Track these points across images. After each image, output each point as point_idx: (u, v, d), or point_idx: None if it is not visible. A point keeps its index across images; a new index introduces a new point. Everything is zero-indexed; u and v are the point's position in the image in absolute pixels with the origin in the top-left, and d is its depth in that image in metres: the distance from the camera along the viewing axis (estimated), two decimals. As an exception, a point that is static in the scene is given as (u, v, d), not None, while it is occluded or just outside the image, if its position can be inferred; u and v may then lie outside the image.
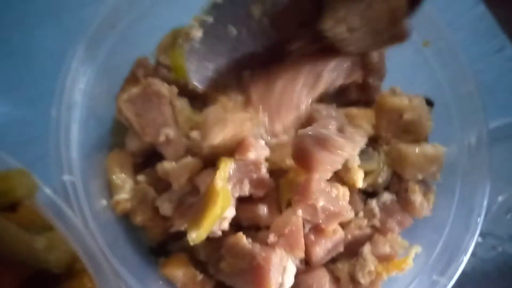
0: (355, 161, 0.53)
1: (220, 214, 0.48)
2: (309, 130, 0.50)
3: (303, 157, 0.50)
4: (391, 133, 0.57)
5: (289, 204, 0.52)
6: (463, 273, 0.53)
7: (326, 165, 0.50)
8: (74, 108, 0.50)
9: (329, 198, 0.50)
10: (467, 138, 0.57)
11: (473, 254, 0.62)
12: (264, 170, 0.51)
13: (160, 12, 0.57)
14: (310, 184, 0.49)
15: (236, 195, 0.51)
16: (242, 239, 0.49)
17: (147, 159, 0.57)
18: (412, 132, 0.57)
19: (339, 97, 0.59)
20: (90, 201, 0.49)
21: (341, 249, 0.54)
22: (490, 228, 0.68)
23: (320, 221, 0.50)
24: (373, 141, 0.58)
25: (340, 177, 0.54)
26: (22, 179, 0.34)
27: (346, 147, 0.49)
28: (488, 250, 0.68)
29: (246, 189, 0.51)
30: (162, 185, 0.54)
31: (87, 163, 0.51)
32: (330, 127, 0.51)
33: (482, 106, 0.56)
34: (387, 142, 0.57)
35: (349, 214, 0.54)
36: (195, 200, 0.51)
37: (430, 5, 0.50)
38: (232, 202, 0.51)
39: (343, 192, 0.52)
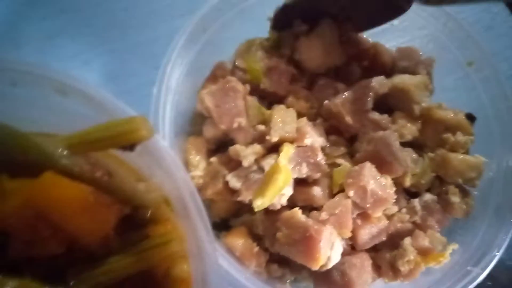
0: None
1: (282, 187, 0.58)
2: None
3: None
4: (436, 142, 0.66)
5: (340, 190, 0.61)
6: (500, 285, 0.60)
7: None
8: (170, 92, 0.60)
9: (379, 184, 0.59)
10: (506, 156, 0.65)
11: (509, 268, 0.69)
12: (320, 156, 0.61)
13: (237, 25, 0.69)
14: (363, 169, 0.58)
15: (295, 176, 0.60)
16: (298, 213, 0.58)
17: (218, 147, 0.68)
18: (454, 143, 0.65)
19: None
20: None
21: (383, 237, 0.62)
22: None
23: (368, 205, 0.58)
24: (419, 148, 0.66)
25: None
26: (145, 122, 0.41)
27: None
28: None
29: (303, 171, 0.60)
30: (231, 165, 0.64)
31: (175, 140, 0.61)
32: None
33: None
34: (431, 150, 0.66)
35: (394, 207, 0.62)
36: (260, 176, 0.61)
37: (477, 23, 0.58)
38: (291, 182, 0.60)
39: (390, 182, 0.60)
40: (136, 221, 0.49)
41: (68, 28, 0.79)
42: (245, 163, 0.61)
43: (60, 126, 0.44)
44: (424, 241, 0.62)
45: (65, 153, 0.42)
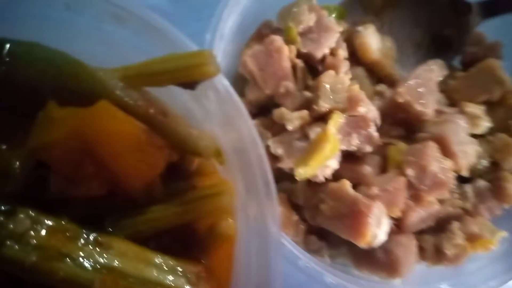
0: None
1: (328, 156, 0.55)
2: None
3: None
4: (500, 126, 0.63)
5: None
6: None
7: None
8: (222, 39, 0.57)
9: (440, 166, 0.55)
10: None
11: None
12: (373, 128, 0.57)
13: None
14: (427, 148, 0.55)
15: (343, 147, 0.57)
16: (347, 185, 0.55)
17: (261, 111, 0.64)
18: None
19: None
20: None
21: (431, 222, 0.59)
22: None
23: (425, 187, 0.55)
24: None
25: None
26: (212, 58, 0.38)
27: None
28: None
29: (353, 143, 0.57)
30: (273, 130, 0.61)
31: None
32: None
33: None
34: (492, 133, 0.63)
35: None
36: (304, 144, 0.57)
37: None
38: (338, 154, 0.57)
39: (451, 167, 0.57)
40: (181, 170, 0.46)
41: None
42: (290, 127, 0.58)
43: (114, 58, 0.41)
44: (473, 227, 0.59)
45: (120, 84, 0.39)
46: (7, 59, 0.38)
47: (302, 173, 0.54)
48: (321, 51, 0.62)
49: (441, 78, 0.63)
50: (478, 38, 0.69)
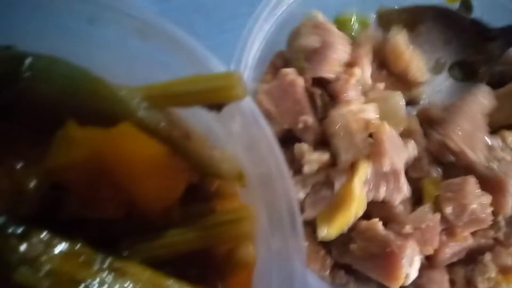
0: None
1: (353, 218, 0.52)
2: None
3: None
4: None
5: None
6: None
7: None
8: (246, 70, 0.55)
9: (480, 204, 0.53)
10: None
11: None
12: (403, 180, 0.54)
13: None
14: (467, 184, 0.52)
15: (370, 198, 0.54)
16: (378, 225, 0.53)
17: (281, 144, 0.61)
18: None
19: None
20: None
21: (463, 255, 0.57)
22: None
23: (461, 224, 0.53)
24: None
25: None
26: (240, 80, 0.36)
27: None
28: None
29: (381, 195, 0.54)
30: (295, 166, 0.57)
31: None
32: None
33: None
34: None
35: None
36: (329, 194, 0.54)
37: None
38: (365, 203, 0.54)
39: (489, 201, 0.55)
40: (201, 192, 0.45)
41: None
42: (306, 170, 0.55)
43: (137, 75, 0.40)
44: (507, 258, 0.56)
45: (144, 104, 0.37)
46: (27, 74, 0.37)
47: (324, 235, 0.52)
48: (329, 70, 0.59)
49: (488, 111, 0.60)
50: (506, 56, 0.66)
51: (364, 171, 0.52)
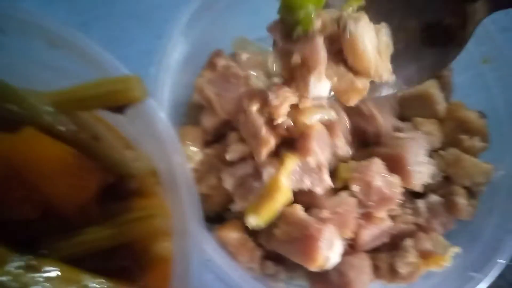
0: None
1: (279, 208, 0.55)
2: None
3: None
4: (450, 141, 0.64)
5: (344, 186, 0.58)
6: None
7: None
8: (168, 72, 0.58)
9: (385, 182, 0.56)
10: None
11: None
12: (326, 175, 0.56)
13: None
14: (372, 164, 0.56)
15: (296, 189, 0.56)
16: (299, 209, 0.55)
17: (216, 138, 0.65)
18: (469, 147, 0.63)
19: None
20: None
21: (385, 239, 0.60)
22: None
23: (372, 203, 0.56)
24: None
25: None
26: (139, 83, 0.40)
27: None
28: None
29: (306, 186, 0.56)
30: (229, 162, 0.59)
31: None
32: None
33: None
34: (443, 148, 0.64)
35: (397, 209, 0.60)
36: (257, 185, 0.56)
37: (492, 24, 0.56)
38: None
39: (398, 182, 0.58)
40: (120, 192, 0.47)
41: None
42: (227, 157, 0.58)
43: (49, 82, 0.42)
44: (426, 243, 0.59)
45: (50, 109, 0.40)
46: None
47: (252, 223, 0.54)
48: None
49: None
50: None
51: (291, 164, 0.55)
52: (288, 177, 0.55)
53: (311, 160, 0.55)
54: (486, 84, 0.66)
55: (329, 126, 0.58)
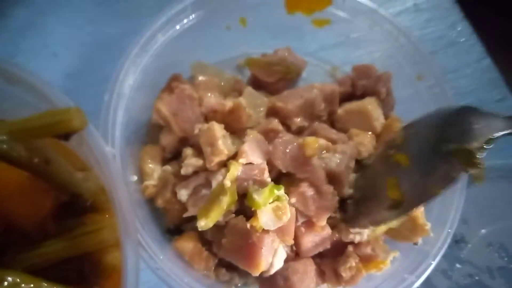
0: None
1: (226, 209, 0.60)
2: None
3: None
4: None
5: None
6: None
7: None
8: (122, 98, 0.64)
9: (320, 192, 0.62)
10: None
11: (449, 277, 0.74)
12: (266, 175, 0.62)
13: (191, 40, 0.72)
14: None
15: (241, 192, 0.62)
16: (242, 220, 0.61)
17: (174, 156, 0.72)
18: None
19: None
20: (125, 174, 0.64)
21: (328, 245, 0.65)
22: (469, 257, 0.78)
23: (312, 213, 0.62)
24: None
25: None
26: (78, 114, 0.46)
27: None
28: (465, 277, 0.77)
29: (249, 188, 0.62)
30: (183, 176, 0.66)
31: (126, 143, 0.65)
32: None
33: None
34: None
35: (337, 215, 0.66)
36: (207, 193, 0.63)
37: (426, 46, 0.63)
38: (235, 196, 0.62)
39: (333, 191, 0.64)
40: (75, 209, 0.53)
41: (38, 21, 0.84)
42: (182, 171, 0.65)
43: (7, 111, 0.49)
44: (367, 249, 0.65)
45: (5, 137, 0.46)
46: None
47: (203, 225, 0.59)
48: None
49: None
50: (367, 70, 0.75)
51: (234, 169, 0.61)
52: (232, 180, 0.60)
53: (245, 162, 0.62)
54: (423, 98, 0.71)
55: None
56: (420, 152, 0.61)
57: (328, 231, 0.65)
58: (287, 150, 0.64)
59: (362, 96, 0.74)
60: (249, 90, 0.72)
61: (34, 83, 0.48)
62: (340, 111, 0.73)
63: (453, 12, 0.93)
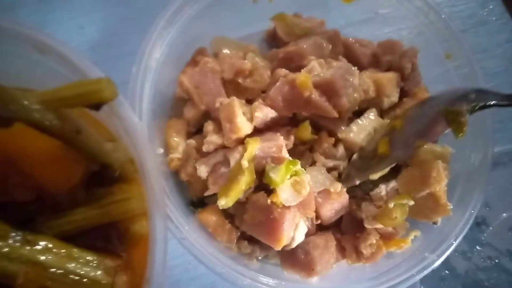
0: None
1: (245, 188, 0.62)
2: None
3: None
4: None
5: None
6: (456, 274, 0.64)
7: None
8: (149, 71, 0.65)
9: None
10: (472, 153, 0.69)
11: (468, 259, 0.75)
12: (284, 151, 0.63)
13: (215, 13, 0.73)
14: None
15: (260, 169, 0.63)
16: (264, 196, 0.62)
17: (198, 130, 0.73)
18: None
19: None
20: (151, 146, 0.65)
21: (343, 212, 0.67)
22: (490, 239, 0.78)
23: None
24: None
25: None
26: (109, 84, 0.46)
27: None
28: (485, 260, 0.77)
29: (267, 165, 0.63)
30: (204, 152, 0.67)
31: (153, 116, 0.66)
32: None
33: (491, 127, 0.68)
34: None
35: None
36: (226, 171, 0.64)
37: (456, 24, 0.62)
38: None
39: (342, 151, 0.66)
40: (104, 179, 0.55)
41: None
42: (204, 148, 0.66)
43: (38, 81, 0.50)
44: (388, 227, 0.65)
45: (37, 106, 0.47)
46: None
47: (223, 204, 0.61)
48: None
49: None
50: (392, 46, 0.74)
51: (251, 148, 0.62)
52: (250, 159, 0.61)
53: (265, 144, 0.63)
54: (451, 79, 0.71)
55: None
56: (415, 115, 0.68)
57: (345, 196, 0.66)
58: (286, 95, 0.65)
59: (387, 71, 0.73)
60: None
61: (66, 53, 0.49)
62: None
63: (484, -10, 0.91)
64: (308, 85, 0.61)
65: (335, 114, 0.63)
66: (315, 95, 0.62)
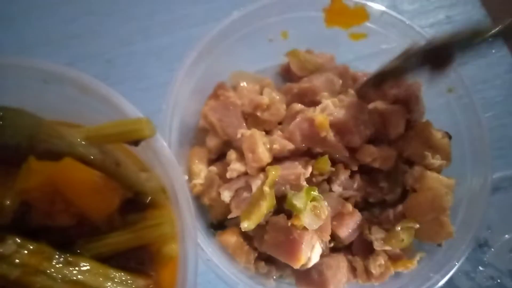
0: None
1: (266, 212, 0.67)
2: None
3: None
4: (418, 155, 0.75)
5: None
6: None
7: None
8: (177, 106, 0.71)
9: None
10: (473, 178, 0.74)
11: (471, 279, 0.79)
12: (302, 179, 0.68)
13: (237, 50, 0.79)
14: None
15: (279, 195, 0.69)
16: (284, 218, 0.67)
17: (219, 157, 0.79)
18: (429, 163, 0.74)
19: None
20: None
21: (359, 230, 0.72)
22: (492, 260, 0.82)
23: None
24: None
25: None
26: (148, 124, 0.53)
27: None
28: (487, 279, 0.81)
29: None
30: (226, 178, 0.73)
31: (179, 146, 0.72)
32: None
33: (489, 154, 0.73)
34: (411, 164, 0.75)
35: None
36: (248, 196, 0.70)
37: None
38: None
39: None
40: (137, 205, 0.60)
41: (95, 28, 0.91)
42: (228, 175, 0.71)
43: (82, 118, 0.56)
44: (395, 249, 0.70)
45: (83, 142, 0.53)
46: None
47: (246, 226, 0.66)
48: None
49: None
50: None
51: (272, 176, 0.67)
52: (271, 186, 0.67)
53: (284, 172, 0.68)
54: (453, 110, 0.76)
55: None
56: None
57: (357, 214, 0.71)
58: (304, 131, 0.70)
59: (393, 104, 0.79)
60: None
61: (107, 94, 0.55)
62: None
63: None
64: (325, 126, 0.67)
65: (346, 154, 0.69)
66: (330, 136, 0.68)
